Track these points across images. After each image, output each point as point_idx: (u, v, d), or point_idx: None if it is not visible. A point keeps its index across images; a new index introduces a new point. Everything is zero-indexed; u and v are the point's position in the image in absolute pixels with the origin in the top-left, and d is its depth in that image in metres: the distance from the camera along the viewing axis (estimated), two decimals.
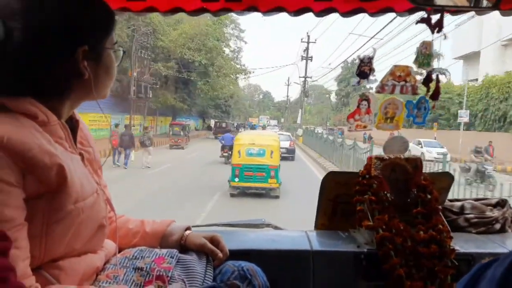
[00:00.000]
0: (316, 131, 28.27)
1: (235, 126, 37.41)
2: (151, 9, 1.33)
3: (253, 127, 42.87)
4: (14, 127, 0.66)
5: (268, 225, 1.76)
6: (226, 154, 16.07)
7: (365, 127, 1.56)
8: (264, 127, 55.69)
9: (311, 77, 40.57)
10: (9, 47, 0.70)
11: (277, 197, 9.86)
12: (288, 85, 73.23)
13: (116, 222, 1.00)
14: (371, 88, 1.80)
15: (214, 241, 1.08)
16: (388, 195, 1.38)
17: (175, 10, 1.34)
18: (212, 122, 44.87)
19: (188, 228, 1.11)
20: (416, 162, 1.42)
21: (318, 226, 1.56)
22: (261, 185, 9.75)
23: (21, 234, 0.66)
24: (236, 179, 9.74)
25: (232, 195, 10.01)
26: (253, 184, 9.75)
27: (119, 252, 0.97)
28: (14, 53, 0.71)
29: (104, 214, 0.87)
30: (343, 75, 59.39)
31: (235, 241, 1.25)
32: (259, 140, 10.38)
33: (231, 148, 15.63)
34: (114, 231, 0.97)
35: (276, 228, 1.72)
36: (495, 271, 0.41)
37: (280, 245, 1.31)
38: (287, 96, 77.51)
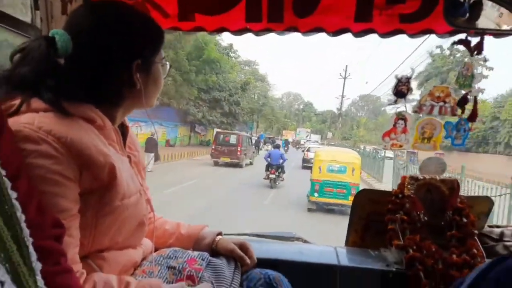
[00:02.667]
0: (379, 155, 18.57)
1: (252, 142, 23.39)
2: (199, 29, 1.44)
3: (276, 146, 18.81)
4: (76, 130, 0.76)
5: (298, 239, 1.78)
6: (273, 176, 13.39)
7: (400, 146, 1.56)
8: (297, 144, 44.09)
9: None
10: (76, 60, 0.81)
11: None
12: (345, 78, 51.43)
13: (155, 222, 1.09)
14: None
15: (243, 247, 1.13)
16: (422, 215, 1.36)
17: (220, 30, 1.44)
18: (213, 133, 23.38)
19: (219, 234, 1.18)
20: (453, 184, 1.39)
21: (349, 243, 1.56)
22: (341, 201, 9.81)
23: (74, 224, 0.74)
24: (316, 194, 9.88)
25: (309, 210, 10.08)
26: (333, 200, 9.83)
27: (155, 251, 1.05)
28: (79, 65, 0.82)
29: (145, 212, 0.95)
30: (435, 67, 36.04)
31: (263, 251, 1.30)
32: (340, 157, 10.49)
33: (279, 168, 13.48)
34: (152, 231, 1.05)
35: (305, 242, 1.74)
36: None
37: (307, 257, 1.33)
38: (342, 95, 50.34)
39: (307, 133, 68.13)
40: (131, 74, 0.87)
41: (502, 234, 1.45)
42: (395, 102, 1.48)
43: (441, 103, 1.46)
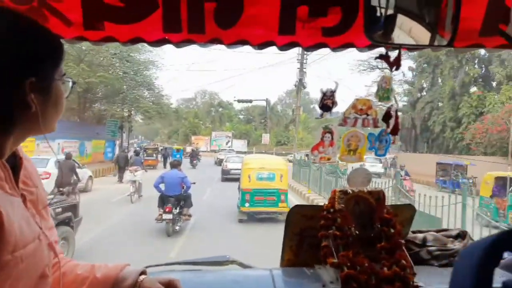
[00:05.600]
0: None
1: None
2: (110, 39, 1.28)
3: (174, 165, 9.22)
4: None
5: (232, 262, 1.69)
6: (169, 216, 8.10)
7: (329, 159, 1.56)
8: (196, 154, 27.34)
9: None
10: None
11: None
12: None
13: (62, 268, 0.91)
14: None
15: (171, 286, 1.00)
16: (353, 229, 1.36)
17: (135, 40, 1.30)
18: None
19: (143, 272, 1.03)
20: (379, 195, 1.42)
21: (284, 261, 1.51)
22: (271, 209, 9.78)
23: None
24: (247, 204, 9.65)
25: (240, 221, 9.83)
26: (263, 208, 9.73)
27: None
28: None
29: (46, 262, 0.79)
30: None
31: (195, 283, 1.18)
32: (268, 164, 10.48)
33: (180, 200, 8.51)
34: (58, 280, 0.88)
35: (241, 265, 1.65)
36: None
37: (243, 286, 1.24)
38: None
39: (228, 138, 50.18)
40: (23, 94, 0.72)
41: (424, 239, 1.52)
42: (321, 116, 1.48)
43: (364, 116, 1.50)
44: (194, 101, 69.49)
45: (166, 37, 1.30)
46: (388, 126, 1.39)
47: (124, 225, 9.32)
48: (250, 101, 28.52)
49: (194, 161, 26.85)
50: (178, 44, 1.33)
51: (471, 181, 18.55)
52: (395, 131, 1.36)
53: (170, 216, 8.18)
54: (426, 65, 36.11)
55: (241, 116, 63.96)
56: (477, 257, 0.40)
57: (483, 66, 32.53)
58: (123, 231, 8.71)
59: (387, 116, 1.36)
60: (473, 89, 31.70)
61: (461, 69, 31.72)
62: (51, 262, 0.83)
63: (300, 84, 23.41)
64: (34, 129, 0.78)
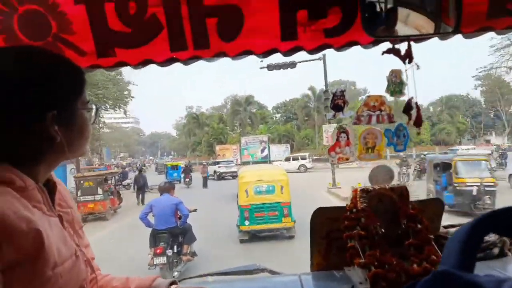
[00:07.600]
0: None
1: None
2: (122, 64, 1.35)
3: (165, 189, 6.71)
4: None
5: (263, 270, 1.69)
6: (162, 259, 6.16)
7: (347, 159, 1.54)
8: (185, 172, 24.04)
9: None
10: None
11: (292, 237, 8.81)
12: None
13: (99, 283, 0.97)
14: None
15: None
16: (378, 227, 1.33)
17: (145, 63, 1.36)
18: None
19: (173, 283, 1.07)
20: (402, 191, 1.38)
21: (314, 266, 1.49)
22: (274, 225, 8.78)
23: None
24: (247, 222, 8.73)
25: (242, 241, 8.91)
26: (265, 225, 8.77)
27: None
28: None
29: (84, 276, 0.84)
30: None
31: None
32: (266, 176, 9.39)
33: (176, 235, 6.59)
34: None
35: (271, 272, 1.65)
36: None
37: None
38: None
39: (263, 143, 37.65)
40: (46, 127, 0.77)
41: None
42: (334, 116, 1.47)
43: (378, 112, 1.48)
44: (225, 108, 58.32)
45: (174, 56, 1.35)
46: (410, 119, 1.34)
47: None
48: (293, 65, 16.76)
49: (187, 179, 23.94)
50: (186, 61, 1.38)
51: None
52: (418, 122, 1.31)
53: (163, 260, 6.02)
54: None
55: (278, 115, 50.77)
56: (461, 239, 0.43)
57: None
58: None
59: (407, 107, 1.33)
60: None
61: None
62: (89, 277, 0.88)
63: None
64: (62, 156, 0.84)
